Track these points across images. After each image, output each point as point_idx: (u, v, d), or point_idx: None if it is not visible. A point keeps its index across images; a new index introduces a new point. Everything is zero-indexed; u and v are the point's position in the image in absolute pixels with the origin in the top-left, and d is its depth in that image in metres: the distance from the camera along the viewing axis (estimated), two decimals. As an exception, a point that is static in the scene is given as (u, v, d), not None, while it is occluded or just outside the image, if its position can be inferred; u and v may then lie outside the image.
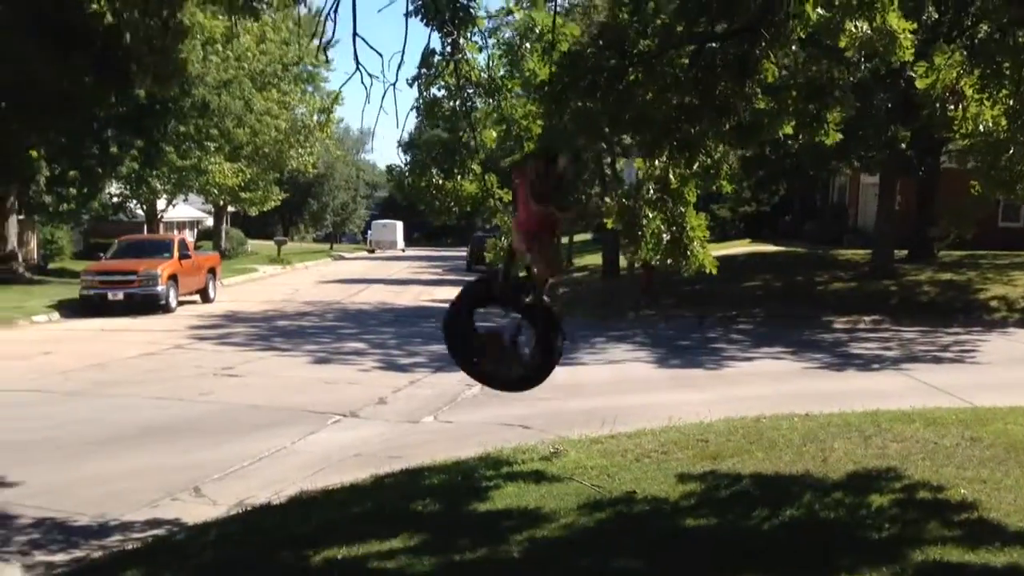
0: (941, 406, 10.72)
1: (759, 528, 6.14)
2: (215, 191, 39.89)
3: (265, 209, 47.57)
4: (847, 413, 9.99)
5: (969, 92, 7.81)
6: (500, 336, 5.93)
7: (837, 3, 7.41)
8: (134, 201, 37.02)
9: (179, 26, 7.91)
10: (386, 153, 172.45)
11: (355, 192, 76.58)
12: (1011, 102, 7.77)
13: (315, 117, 43.54)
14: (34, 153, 26.26)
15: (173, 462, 8.94)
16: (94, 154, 26.94)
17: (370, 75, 7.49)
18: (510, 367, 5.91)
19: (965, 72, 7.87)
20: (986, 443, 8.45)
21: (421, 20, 7.63)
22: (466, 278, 38.89)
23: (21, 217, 30.26)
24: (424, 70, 7.99)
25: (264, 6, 8.87)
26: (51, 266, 34.35)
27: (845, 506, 6.56)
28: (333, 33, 7.85)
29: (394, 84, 7.29)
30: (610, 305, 23.71)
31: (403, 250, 66.63)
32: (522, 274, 6.00)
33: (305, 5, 8.33)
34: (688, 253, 7.67)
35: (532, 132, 8.27)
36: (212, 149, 34.40)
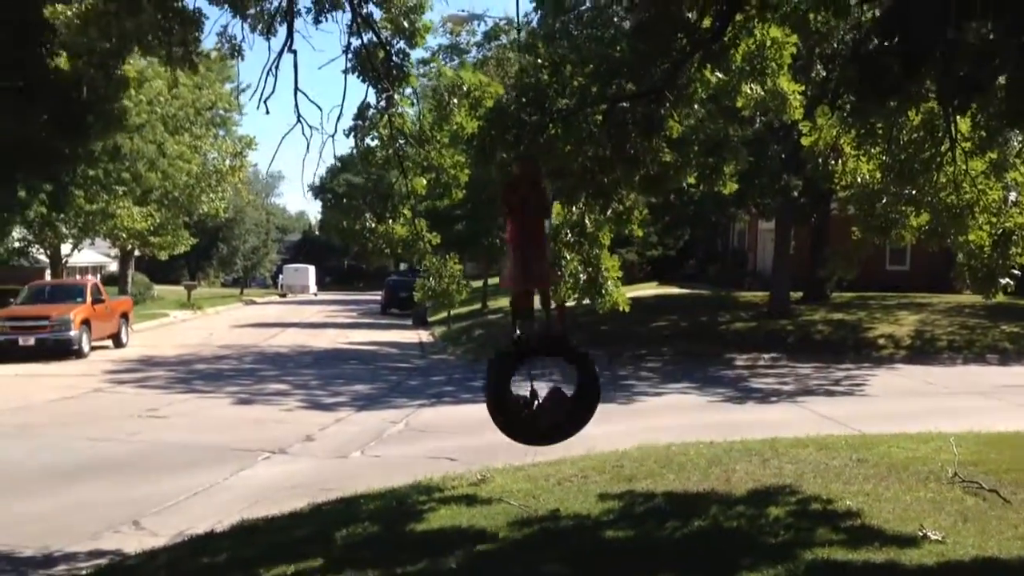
0: (833, 434, 11.67)
1: (671, 537, 6.82)
2: (123, 235, 39.22)
3: (175, 253, 46.81)
4: (748, 440, 10.81)
5: (848, 149, 8.83)
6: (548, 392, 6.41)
7: (734, 68, 8.37)
8: (36, 246, 36.15)
9: (121, 77, 8.36)
10: (294, 197, 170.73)
11: (266, 236, 75.86)
12: (884, 157, 8.82)
13: (227, 161, 43.46)
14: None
15: (110, 497, 9.14)
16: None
17: (310, 126, 8.08)
18: (558, 414, 6.43)
19: (844, 131, 8.90)
20: (871, 463, 9.36)
21: (358, 77, 8.28)
22: (381, 321, 39.23)
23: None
24: (360, 122, 8.61)
25: (201, 59, 9.34)
26: (-54, 312, 33.15)
27: (746, 517, 7.30)
28: (274, 88, 8.40)
29: (332, 136, 7.88)
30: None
31: (315, 294, 66.25)
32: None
33: (242, 58, 8.81)
34: (603, 292, 8.41)
35: (460, 180, 8.95)
36: (120, 193, 33.98)
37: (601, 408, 15.06)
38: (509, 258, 6.36)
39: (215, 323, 35.99)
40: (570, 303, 12.16)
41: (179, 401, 15.44)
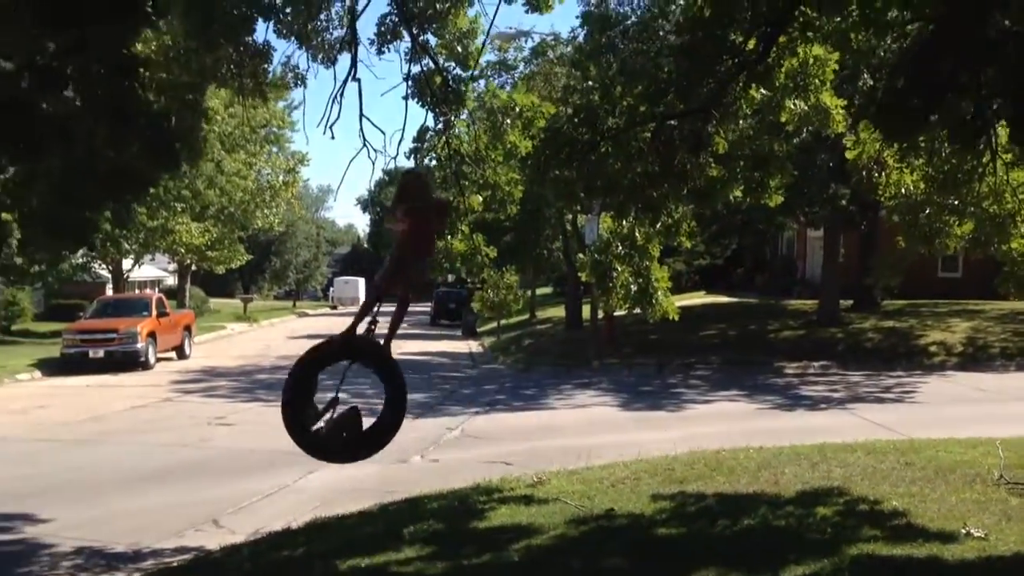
0: (881, 439, 11.87)
1: (722, 534, 7.16)
2: (182, 250, 40.48)
3: (232, 267, 48.06)
4: (797, 445, 11.06)
5: (891, 161, 9.11)
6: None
7: (778, 85, 8.72)
8: (98, 262, 37.48)
9: (201, 107, 8.99)
10: (342, 210, 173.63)
11: (316, 249, 77.35)
12: (927, 169, 9.09)
13: (280, 177, 44.66)
14: (7, 215, 26.89)
15: (189, 499, 9.74)
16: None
17: (374, 149, 8.61)
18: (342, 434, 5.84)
19: (887, 144, 9.18)
20: (918, 467, 9.56)
21: (418, 102, 8.79)
22: (431, 332, 39.88)
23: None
24: (420, 144, 9.14)
25: (270, 89, 9.96)
26: (14, 328, 34.51)
27: (794, 516, 7.60)
28: (339, 114, 8.96)
29: (395, 158, 8.41)
30: (574, 355, 24.80)
31: (365, 306, 67.22)
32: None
33: (305, 86, 9.40)
34: (653, 301, 8.79)
35: (514, 196, 9.42)
36: (179, 209, 35.16)
37: (651, 415, 15.56)
38: (389, 260, 6.08)
39: (271, 335, 36.95)
40: (621, 312, 12.61)
41: (244, 409, 16.11)
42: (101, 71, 5.94)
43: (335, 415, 5.88)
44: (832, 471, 9.46)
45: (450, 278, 52.39)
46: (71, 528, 8.58)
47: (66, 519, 8.85)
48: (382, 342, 6.08)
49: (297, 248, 73.32)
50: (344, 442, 5.92)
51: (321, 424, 5.87)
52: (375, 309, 6.05)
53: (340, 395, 6.01)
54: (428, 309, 48.98)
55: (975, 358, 22.19)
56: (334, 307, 66.08)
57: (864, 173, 9.18)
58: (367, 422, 5.98)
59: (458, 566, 6.58)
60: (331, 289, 73.78)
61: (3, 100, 5.55)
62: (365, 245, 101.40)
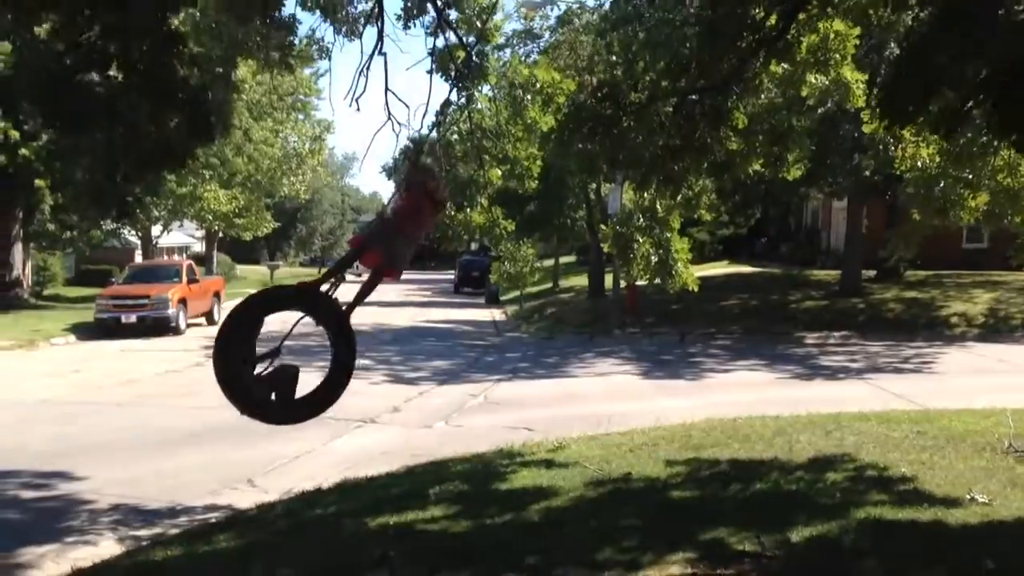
0: (896, 408, 12.08)
1: (734, 497, 7.44)
2: (209, 217, 41.01)
3: (259, 235, 48.61)
4: (813, 414, 11.30)
5: (907, 135, 9.23)
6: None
7: (799, 59, 8.86)
8: (127, 228, 38.08)
9: (231, 81, 9.26)
10: (366, 178, 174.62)
11: (342, 217, 77.90)
12: (943, 143, 9.20)
13: (307, 145, 45.00)
14: (40, 182, 27.48)
15: (221, 460, 10.17)
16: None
17: (399, 123, 8.85)
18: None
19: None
20: (930, 435, 9.78)
21: (441, 76, 9.01)
22: (454, 300, 40.28)
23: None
24: (442, 117, 9.36)
25: (297, 61, 10.21)
26: (45, 292, 35.28)
27: (805, 481, 7.87)
28: (365, 87, 9.19)
29: (418, 131, 8.64)
30: (596, 323, 25.05)
31: (389, 274, 67.75)
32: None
33: (330, 59, 9.63)
34: (673, 273, 9.02)
35: (532, 171, 9.65)
36: (207, 177, 35.61)
37: (671, 384, 15.83)
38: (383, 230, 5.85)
39: (297, 302, 37.41)
40: (643, 282, 12.79)
41: (273, 374, 16.54)
42: (143, 48, 6.21)
43: (271, 369, 5.48)
44: (845, 439, 9.70)
45: (473, 246, 52.78)
46: (109, 486, 9.02)
47: (104, 478, 9.30)
48: (344, 308, 5.68)
49: (323, 215, 73.90)
50: (269, 400, 5.48)
51: (253, 373, 5.42)
52: (348, 270, 5.90)
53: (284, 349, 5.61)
54: (452, 277, 49.39)
55: (996, 329, 22.23)
56: (359, 274, 66.50)
57: (881, 147, 9.30)
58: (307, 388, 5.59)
59: (482, 525, 6.91)
60: (356, 257, 74.34)
61: (53, 77, 5.85)
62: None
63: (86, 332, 22.60)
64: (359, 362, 18.70)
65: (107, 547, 7.48)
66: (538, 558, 6.01)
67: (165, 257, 42.21)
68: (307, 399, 5.69)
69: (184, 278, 24.27)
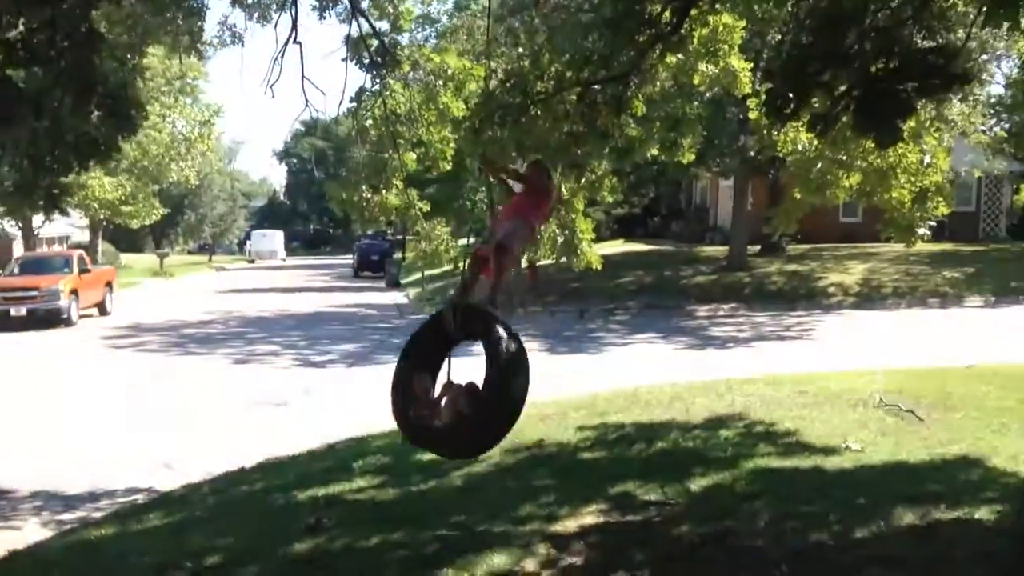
0: (780, 372, 13.04)
1: (639, 456, 8.11)
2: (95, 205, 39.64)
3: (147, 223, 47.24)
4: (707, 380, 12.13)
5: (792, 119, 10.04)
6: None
7: (691, 50, 9.54)
8: (7, 219, 36.50)
9: (139, 67, 9.33)
10: (252, 162, 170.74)
11: (233, 203, 76.02)
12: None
13: (195, 129, 43.89)
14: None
15: (143, 446, 10.28)
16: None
17: (316, 110, 9.14)
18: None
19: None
20: (810, 394, 10.70)
21: (356, 64, 9.31)
22: (354, 284, 40.20)
23: None
24: (356, 104, 9.66)
25: (207, 47, 10.32)
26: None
27: (700, 439, 8.60)
28: (280, 74, 9.41)
29: (335, 119, 8.93)
30: (499, 303, 25.58)
31: (284, 259, 66.77)
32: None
33: (243, 45, 9.79)
34: (578, 252, 9.60)
35: (446, 153, 10.05)
36: (91, 164, 34.44)
37: (574, 358, 16.48)
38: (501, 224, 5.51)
39: (191, 289, 36.76)
40: (547, 262, 13.37)
41: (180, 363, 16.49)
42: (65, 44, 6.33)
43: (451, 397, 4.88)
44: (735, 400, 10.52)
45: (369, 230, 52.67)
46: (25, 477, 9.07)
47: (18, 470, 9.32)
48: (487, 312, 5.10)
49: (212, 202, 71.94)
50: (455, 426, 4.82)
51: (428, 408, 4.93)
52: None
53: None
54: (350, 262, 49.16)
55: (869, 297, 23.88)
56: (251, 261, 65.39)
57: (765, 131, 10.10)
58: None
59: (408, 492, 7.36)
60: (248, 243, 72.81)
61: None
62: (282, 198, 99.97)
63: (-28, 326, 21.79)
64: (266, 347, 18.89)
65: (33, 531, 7.60)
66: (464, 517, 6.51)
67: (46, 248, 40.59)
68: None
69: (75, 268, 23.62)
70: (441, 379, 5.09)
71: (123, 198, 40.00)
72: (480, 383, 4.77)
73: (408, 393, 4.98)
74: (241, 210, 79.96)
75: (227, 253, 79.07)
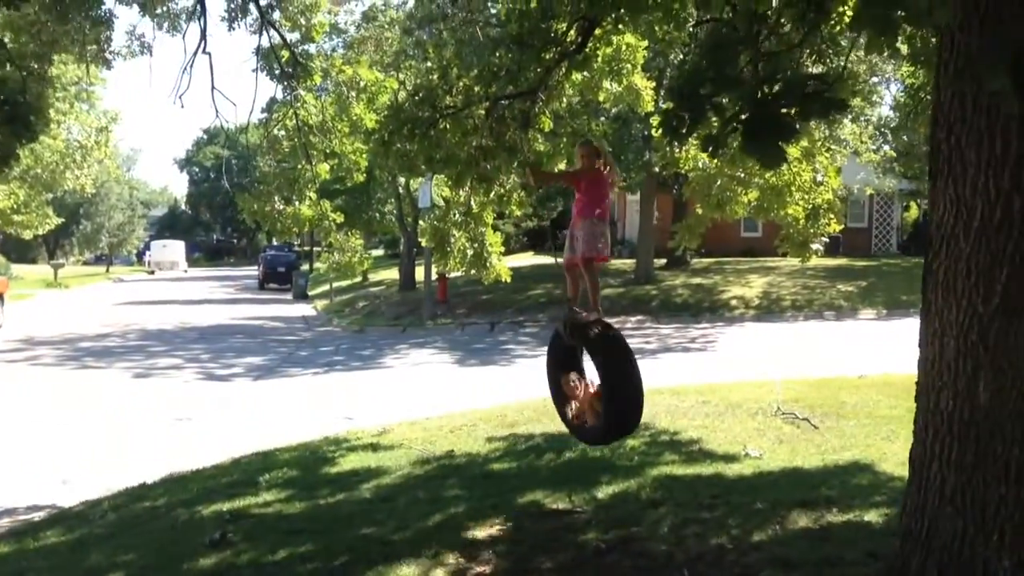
0: (685, 383, 13.41)
1: (548, 465, 8.24)
2: (-17, 215, 37.88)
3: (40, 232, 45.35)
4: (613, 391, 12.37)
5: (689, 138, 10.39)
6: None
7: (596, 68, 9.78)
8: None
9: (46, 76, 9.07)
10: (151, 171, 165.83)
11: (131, 212, 73.57)
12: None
13: (92, 136, 42.40)
14: None
15: (36, 462, 9.87)
16: None
17: (226, 120, 9.03)
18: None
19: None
20: (713, 404, 11.06)
21: (267, 75, 9.23)
22: (260, 296, 39.45)
23: None
24: (268, 114, 9.57)
25: (115, 56, 10.08)
26: None
27: (608, 448, 8.74)
28: (189, 84, 9.26)
29: (245, 130, 8.83)
30: (409, 315, 25.58)
31: (186, 271, 65.06)
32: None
33: (151, 55, 9.62)
34: (488, 265, 9.70)
35: (360, 164, 10.03)
36: (-19, 171, 32.95)
37: (484, 371, 16.56)
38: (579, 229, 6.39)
39: (88, 301, 35.47)
40: (457, 274, 13.43)
41: (75, 377, 15.89)
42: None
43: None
44: (642, 411, 10.77)
45: (274, 241, 51.68)
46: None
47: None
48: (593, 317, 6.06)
49: (110, 211, 69.49)
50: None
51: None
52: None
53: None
54: (255, 273, 48.21)
55: (769, 310, 24.73)
56: (151, 272, 63.48)
57: (667, 148, 10.42)
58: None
59: (316, 505, 7.29)
60: (147, 253, 70.64)
61: None
62: (183, 207, 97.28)
63: None
64: (167, 361, 18.48)
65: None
66: (373, 528, 6.51)
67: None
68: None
69: (-37, 279, 22.52)
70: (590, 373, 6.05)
71: (15, 207, 38.36)
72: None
73: (560, 394, 6.14)
74: (140, 220, 77.42)
75: (126, 264, 76.55)
